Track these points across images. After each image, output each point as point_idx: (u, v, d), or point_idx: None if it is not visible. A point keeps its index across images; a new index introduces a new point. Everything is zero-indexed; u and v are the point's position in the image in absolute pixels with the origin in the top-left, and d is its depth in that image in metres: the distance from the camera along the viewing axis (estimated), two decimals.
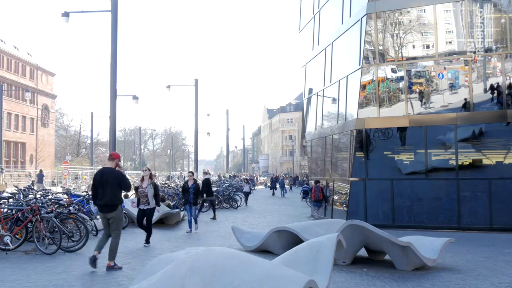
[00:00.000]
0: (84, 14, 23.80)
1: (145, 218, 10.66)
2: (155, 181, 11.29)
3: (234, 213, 20.23)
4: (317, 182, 17.77)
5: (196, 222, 13.62)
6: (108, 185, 7.83)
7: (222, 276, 4.34)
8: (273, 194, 35.96)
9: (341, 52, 18.31)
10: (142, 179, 10.96)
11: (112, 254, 7.86)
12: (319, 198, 16.75)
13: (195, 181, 13.69)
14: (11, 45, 52.25)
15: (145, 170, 11.11)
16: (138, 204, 10.78)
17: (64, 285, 6.90)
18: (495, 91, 14.78)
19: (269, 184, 43.54)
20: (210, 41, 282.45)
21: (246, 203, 24.95)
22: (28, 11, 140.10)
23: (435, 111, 15.35)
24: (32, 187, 17.83)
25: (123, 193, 9.87)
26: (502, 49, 14.78)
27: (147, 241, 10.71)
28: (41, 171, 29.77)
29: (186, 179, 14.76)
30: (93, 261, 7.71)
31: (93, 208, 9.52)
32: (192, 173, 14.31)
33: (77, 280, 7.21)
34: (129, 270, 7.94)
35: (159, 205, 10.91)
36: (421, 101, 15.64)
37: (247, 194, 25.67)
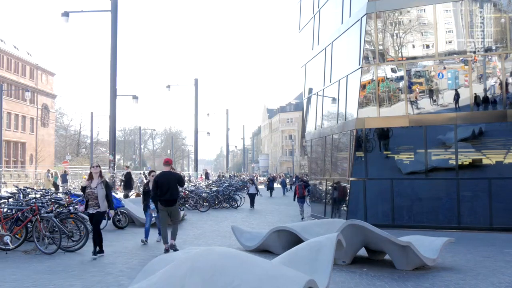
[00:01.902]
0: (84, 14, 23.83)
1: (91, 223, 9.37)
2: (106, 180, 9.55)
3: (234, 213, 20.22)
4: (301, 180, 19.75)
5: (147, 235, 11.14)
6: (170, 184, 9.78)
7: (222, 275, 4.34)
8: (271, 195, 34.13)
9: (341, 52, 18.31)
10: (91, 177, 9.34)
11: (175, 235, 9.78)
12: (302, 195, 18.28)
13: None
14: (11, 45, 52.23)
15: (95, 167, 9.43)
16: (87, 207, 9.24)
17: (64, 284, 6.91)
18: (495, 91, 14.79)
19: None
20: (210, 41, 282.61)
21: (253, 205, 22.87)
22: (28, 11, 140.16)
23: (435, 111, 15.35)
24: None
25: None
26: (502, 49, 14.77)
27: (100, 249, 9.25)
28: (65, 171, 30.20)
29: (147, 179, 11.95)
30: (172, 247, 9.55)
31: (152, 205, 10.42)
32: (154, 172, 11.70)
33: (77, 279, 7.21)
34: (129, 270, 7.94)
35: (112, 208, 9.36)
36: (421, 101, 15.64)
37: (253, 196, 23.19)
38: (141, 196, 11.68)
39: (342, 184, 17.01)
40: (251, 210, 21.89)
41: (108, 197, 9.19)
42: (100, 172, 9.38)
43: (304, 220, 17.10)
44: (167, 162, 10.32)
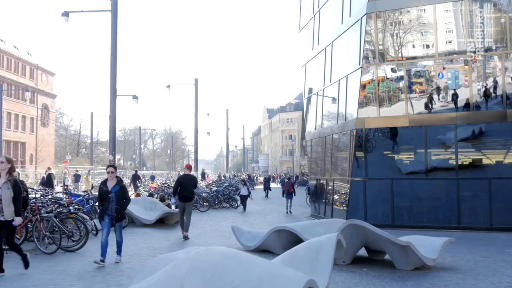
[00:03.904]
0: (84, 14, 23.84)
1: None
2: (17, 179, 7.33)
3: (234, 213, 20.21)
4: (288, 179, 23.01)
5: (120, 248, 8.74)
6: (189, 185, 12.25)
7: (222, 275, 4.34)
8: (267, 195, 32.03)
9: (341, 52, 18.31)
10: None
11: (187, 227, 12.16)
12: (289, 192, 20.91)
13: (119, 181, 8.55)
14: (11, 45, 52.20)
15: (1, 163, 7.12)
16: None
17: (64, 284, 6.91)
18: (495, 91, 14.79)
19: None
20: (210, 41, 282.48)
21: (244, 208, 21.22)
22: (28, 11, 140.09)
23: (435, 110, 15.35)
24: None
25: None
26: (502, 48, 14.77)
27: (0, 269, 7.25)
28: (77, 170, 30.31)
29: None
30: (185, 238, 11.89)
31: (173, 199, 13.67)
32: (113, 167, 8.81)
33: (77, 279, 7.21)
34: (129, 270, 7.95)
35: (18, 214, 7.08)
36: (421, 100, 15.63)
37: (244, 198, 21.39)
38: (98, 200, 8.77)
39: (342, 184, 17.01)
40: (250, 210, 21.36)
41: (16, 201, 7.07)
42: (10, 168, 7.15)
43: (290, 214, 19.98)
44: (189, 168, 13.35)
